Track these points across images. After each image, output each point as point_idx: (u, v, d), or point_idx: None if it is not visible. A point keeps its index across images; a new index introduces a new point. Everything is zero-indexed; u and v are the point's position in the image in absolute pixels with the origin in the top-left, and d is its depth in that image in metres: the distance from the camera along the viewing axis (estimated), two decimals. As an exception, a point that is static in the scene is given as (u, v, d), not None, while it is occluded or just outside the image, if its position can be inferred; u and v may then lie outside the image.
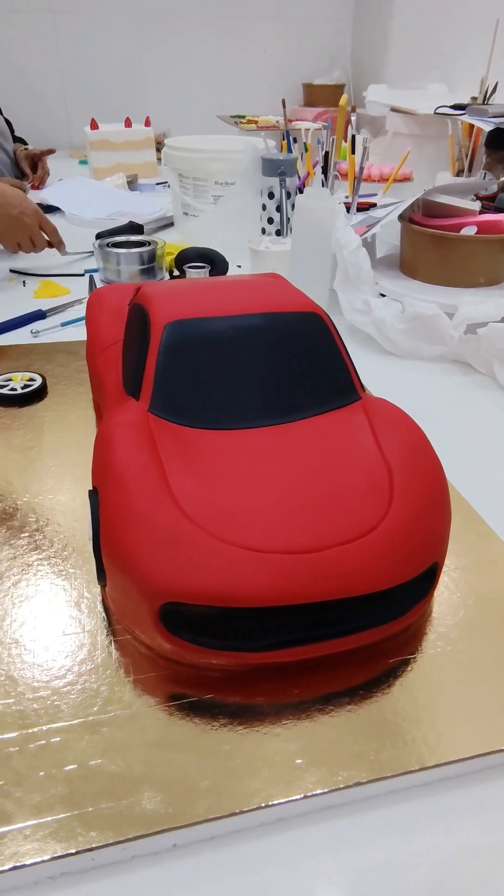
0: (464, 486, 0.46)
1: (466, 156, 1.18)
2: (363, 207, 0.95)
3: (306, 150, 1.02)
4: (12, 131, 1.64)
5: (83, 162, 1.79)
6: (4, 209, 0.88)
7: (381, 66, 2.04)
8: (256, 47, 2.20)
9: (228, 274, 0.87)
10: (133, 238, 0.90)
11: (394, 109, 1.39)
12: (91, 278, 0.87)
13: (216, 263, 0.85)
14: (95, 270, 0.91)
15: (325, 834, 0.27)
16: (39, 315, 0.78)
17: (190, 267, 0.81)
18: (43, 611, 0.35)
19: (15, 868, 0.24)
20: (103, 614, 0.35)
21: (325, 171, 0.90)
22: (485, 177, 1.05)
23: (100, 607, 0.36)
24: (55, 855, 0.24)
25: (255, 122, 1.68)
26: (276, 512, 0.31)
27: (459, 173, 1.20)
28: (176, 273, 0.89)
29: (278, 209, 0.94)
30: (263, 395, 0.38)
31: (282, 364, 0.39)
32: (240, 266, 0.93)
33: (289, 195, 0.92)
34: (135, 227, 1.06)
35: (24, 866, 0.24)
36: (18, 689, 0.31)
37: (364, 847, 0.26)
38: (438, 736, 0.29)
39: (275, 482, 0.33)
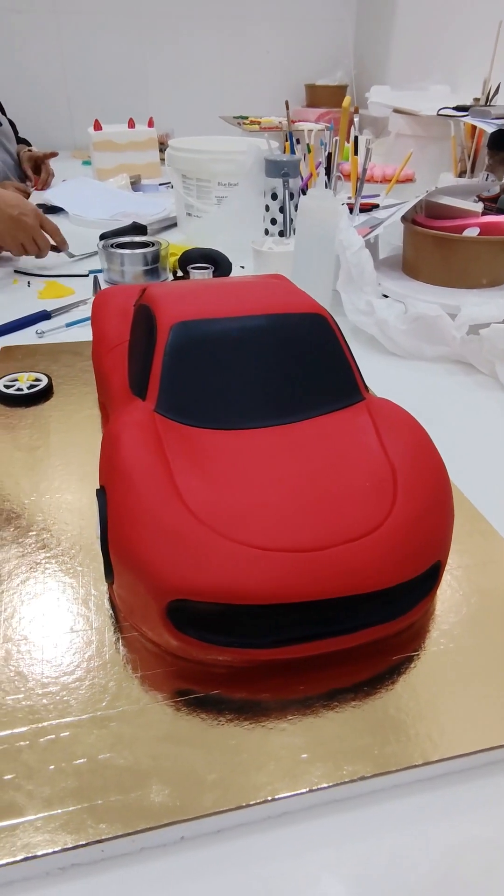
0: (466, 486, 0.47)
1: (469, 157, 1.18)
2: (366, 208, 0.96)
3: (309, 151, 1.03)
4: (16, 132, 1.64)
5: (86, 163, 1.79)
6: (3, 210, 0.88)
7: (383, 66, 2.05)
8: (259, 48, 2.20)
9: (232, 275, 0.87)
10: (137, 239, 0.91)
11: (396, 110, 1.40)
12: (95, 279, 0.88)
13: (220, 264, 0.85)
14: (100, 271, 0.91)
15: (330, 827, 0.27)
16: (44, 315, 0.78)
17: (193, 268, 0.82)
18: (51, 608, 0.36)
19: (27, 859, 0.24)
20: (111, 611, 0.36)
21: (328, 172, 0.90)
22: (487, 178, 1.05)
23: (107, 605, 0.36)
24: (66, 846, 0.25)
25: (258, 123, 1.68)
26: (282, 511, 0.32)
27: (462, 174, 1.21)
28: (179, 274, 0.90)
29: (281, 210, 0.94)
30: (268, 395, 0.38)
31: (286, 365, 0.39)
32: (243, 267, 0.94)
33: (292, 196, 0.93)
34: (138, 228, 1.06)
35: (35, 857, 0.24)
36: (28, 684, 0.31)
37: (368, 840, 0.27)
38: (441, 731, 0.29)
39: (280, 481, 0.33)
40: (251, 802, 0.27)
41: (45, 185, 1.50)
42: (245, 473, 0.34)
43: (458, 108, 1.12)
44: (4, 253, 0.97)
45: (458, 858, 0.26)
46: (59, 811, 0.26)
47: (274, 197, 0.94)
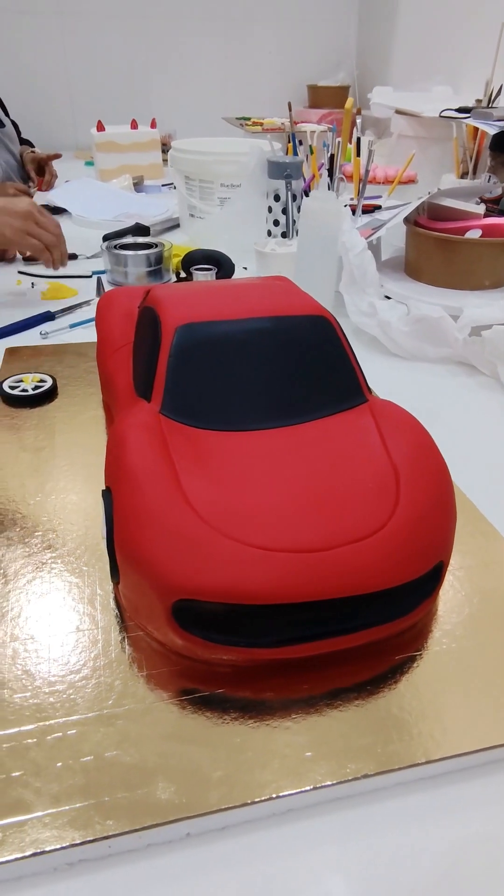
0: (468, 487, 0.47)
1: (471, 159, 1.19)
2: (368, 209, 0.96)
3: (311, 152, 1.03)
4: (19, 133, 1.65)
5: (89, 163, 1.80)
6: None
7: (385, 67, 2.05)
8: (261, 49, 2.21)
9: (234, 276, 0.88)
10: (140, 240, 0.91)
11: (398, 112, 1.40)
12: (99, 280, 0.88)
13: (223, 265, 0.86)
14: (103, 272, 0.92)
15: (334, 824, 0.28)
16: (48, 317, 0.79)
17: (197, 269, 0.82)
18: (57, 607, 0.36)
19: (36, 854, 0.25)
20: (116, 611, 0.36)
21: (330, 173, 0.91)
22: (489, 180, 1.05)
23: (113, 604, 0.36)
24: (74, 842, 0.25)
25: (261, 125, 1.69)
26: (286, 511, 0.32)
27: (464, 176, 1.21)
28: (183, 275, 0.90)
29: (284, 211, 0.94)
30: (272, 397, 0.39)
31: (290, 367, 0.40)
32: (245, 268, 0.94)
33: (294, 198, 0.93)
34: (141, 229, 1.07)
35: (44, 853, 0.25)
36: (35, 683, 0.32)
37: (371, 837, 0.27)
38: (444, 730, 0.30)
39: (284, 482, 0.34)
40: (256, 800, 0.27)
41: (48, 187, 1.51)
42: (249, 475, 0.34)
43: (460, 110, 1.13)
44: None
45: (461, 856, 0.27)
46: (67, 808, 0.26)
47: (276, 198, 0.94)
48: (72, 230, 1.19)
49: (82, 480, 0.47)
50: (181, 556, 0.30)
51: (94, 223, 1.19)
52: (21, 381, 0.60)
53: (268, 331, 0.40)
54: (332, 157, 0.89)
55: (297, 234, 0.85)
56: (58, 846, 0.25)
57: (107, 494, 0.35)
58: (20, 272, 0.95)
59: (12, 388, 0.59)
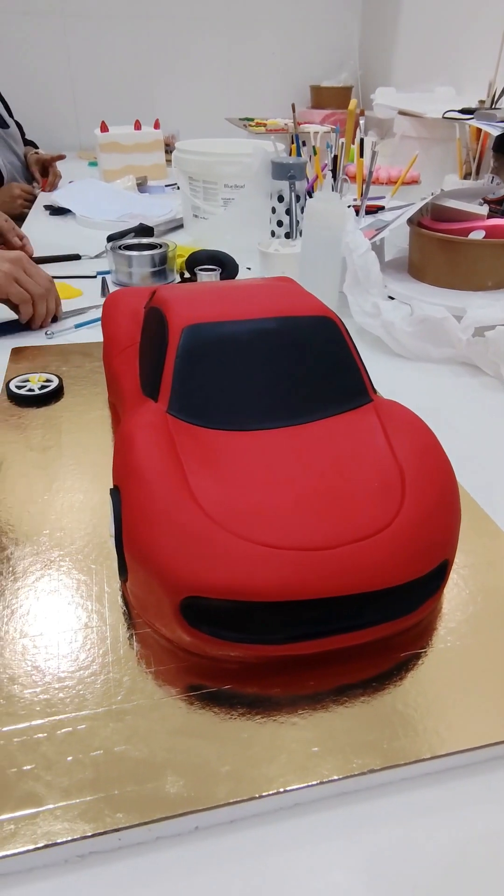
0: (472, 487, 0.47)
1: (474, 159, 1.19)
2: (371, 210, 0.96)
3: (315, 153, 1.03)
4: (23, 134, 1.65)
5: (93, 163, 1.80)
6: None
7: (388, 68, 2.05)
8: (264, 50, 2.21)
9: (238, 276, 0.88)
10: (144, 240, 0.91)
11: (402, 112, 1.40)
12: (103, 280, 0.89)
13: (227, 266, 0.86)
14: (108, 272, 0.92)
15: (340, 819, 0.28)
16: (53, 317, 0.79)
17: (201, 269, 0.82)
18: (66, 604, 0.37)
19: (47, 846, 0.25)
20: (124, 608, 0.36)
21: (333, 174, 0.91)
22: (492, 181, 1.06)
23: (121, 601, 0.37)
24: (84, 834, 0.26)
25: (264, 125, 1.69)
26: (292, 510, 0.32)
27: (467, 176, 1.21)
28: (187, 275, 0.90)
29: (288, 212, 0.95)
30: (278, 397, 0.39)
31: (296, 367, 0.40)
32: (249, 268, 0.95)
33: (298, 198, 0.94)
34: (145, 230, 1.07)
35: (55, 844, 0.25)
36: (45, 678, 0.32)
37: (377, 832, 0.28)
38: (449, 726, 0.30)
39: (290, 481, 0.34)
40: (263, 794, 0.27)
41: (52, 187, 1.51)
42: (256, 474, 0.34)
43: (463, 111, 1.13)
44: None
45: (466, 850, 0.27)
46: (77, 801, 0.27)
47: (280, 199, 0.95)
48: (76, 230, 1.20)
49: (89, 479, 0.48)
50: (189, 554, 0.30)
51: (98, 223, 1.19)
52: (27, 380, 0.60)
53: (274, 331, 0.40)
54: (335, 158, 0.89)
55: (300, 235, 0.85)
56: (69, 838, 0.25)
57: (115, 493, 0.35)
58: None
59: (19, 387, 0.59)
